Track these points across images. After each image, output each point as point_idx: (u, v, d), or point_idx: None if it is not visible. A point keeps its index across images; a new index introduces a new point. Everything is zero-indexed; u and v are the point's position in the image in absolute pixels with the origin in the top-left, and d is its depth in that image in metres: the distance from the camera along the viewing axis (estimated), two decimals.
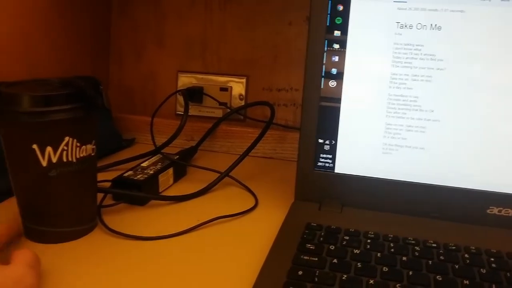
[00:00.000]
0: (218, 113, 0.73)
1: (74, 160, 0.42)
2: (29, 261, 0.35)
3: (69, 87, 0.42)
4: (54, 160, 0.40)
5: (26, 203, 0.43)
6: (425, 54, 0.45)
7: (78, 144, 0.41)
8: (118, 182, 0.53)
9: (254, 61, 0.71)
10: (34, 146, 0.40)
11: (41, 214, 0.43)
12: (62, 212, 0.43)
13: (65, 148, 0.41)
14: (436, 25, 0.44)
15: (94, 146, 0.44)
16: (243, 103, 0.72)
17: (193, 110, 0.73)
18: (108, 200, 0.52)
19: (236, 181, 0.59)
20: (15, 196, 0.43)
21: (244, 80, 0.72)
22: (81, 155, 0.42)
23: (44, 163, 0.40)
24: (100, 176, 0.49)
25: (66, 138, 0.40)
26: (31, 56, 0.59)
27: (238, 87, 0.72)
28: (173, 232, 0.45)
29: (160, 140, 0.65)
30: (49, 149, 0.40)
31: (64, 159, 0.41)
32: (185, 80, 0.74)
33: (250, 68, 0.72)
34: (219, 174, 0.58)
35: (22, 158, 0.41)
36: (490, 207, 0.46)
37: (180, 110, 0.75)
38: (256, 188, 0.57)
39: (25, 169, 0.41)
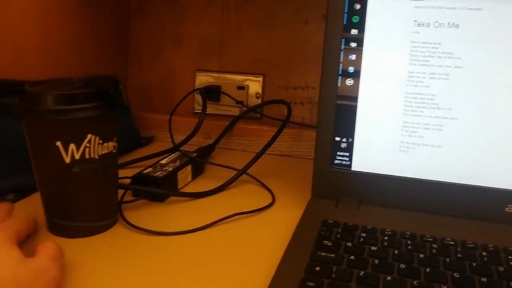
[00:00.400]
0: (235, 111, 0.74)
1: (96, 157, 0.43)
2: (53, 254, 0.36)
3: (91, 86, 0.43)
4: (77, 156, 0.41)
5: (50, 198, 0.44)
6: (442, 52, 0.45)
7: (100, 141, 0.42)
8: (138, 178, 0.54)
9: (271, 59, 0.72)
10: (58, 143, 0.41)
11: (64, 209, 0.44)
12: (85, 208, 0.44)
13: (88, 145, 0.42)
14: (453, 23, 0.44)
15: (115, 143, 0.45)
16: (259, 101, 0.73)
17: (211, 109, 0.74)
18: (128, 196, 0.53)
19: (253, 178, 0.59)
20: (39, 191, 0.45)
21: (260, 79, 0.73)
22: (103, 152, 0.43)
23: (67, 160, 0.41)
24: (120, 173, 0.50)
25: (89, 136, 0.41)
26: (53, 56, 0.61)
27: (254, 85, 0.73)
28: (192, 228, 0.46)
29: (178, 138, 0.66)
30: (72, 146, 0.41)
31: (87, 156, 0.42)
32: (203, 79, 0.75)
33: (267, 66, 0.72)
34: (236, 172, 0.59)
35: (46, 155, 0.42)
36: (508, 205, 0.46)
37: (198, 108, 0.76)
38: (273, 186, 0.57)
39: (48, 166, 0.42)
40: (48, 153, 0.41)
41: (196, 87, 0.75)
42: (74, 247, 0.42)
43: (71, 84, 0.44)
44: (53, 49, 0.61)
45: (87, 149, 0.42)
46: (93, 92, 0.42)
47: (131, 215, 0.48)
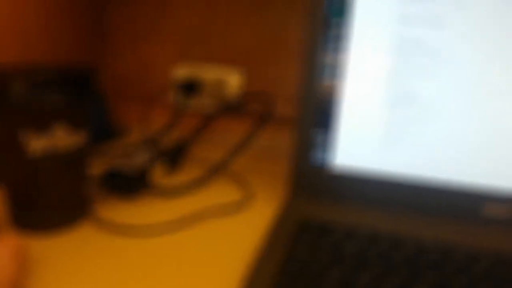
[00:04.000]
0: (214, 104, 0.72)
1: (64, 148, 0.40)
2: (11, 251, 0.34)
3: (60, 73, 0.41)
4: (43, 146, 0.39)
5: (13, 190, 0.42)
6: (428, 46, 0.44)
7: (69, 131, 0.40)
8: (109, 172, 0.51)
9: (252, 52, 0.70)
10: (23, 132, 0.38)
11: (29, 202, 0.41)
12: (50, 201, 0.42)
13: (55, 134, 0.39)
14: (438, 15, 0.43)
15: (85, 134, 0.42)
16: (240, 95, 0.71)
17: (189, 101, 0.72)
18: (98, 191, 0.51)
19: (230, 174, 0.58)
20: (2, 183, 0.42)
21: (241, 72, 0.71)
22: (71, 143, 0.41)
23: (32, 150, 0.39)
24: (91, 166, 0.47)
25: (56, 125, 0.39)
26: (25, 41, 0.58)
27: (235, 78, 0.71)
28: (164, 224, 0.45)
29: (154, 131, 0.64)
30: (38, 135, 0.39)
31: (53, 146, 0.40)
32: (182, 71, 0.73)
33: (248, 59, 0.71)
34: (213, 167, 0.57)
35: (9, 144, 0.39)
36: (487, 204, 0.45)
37: (176, 101, 0.74)
38: (250, 182, 0.56)
39: (12, 155, 0.40)
40: (12, 142, 0.39)
41: (174, 79, 0.73)
42: (37, 242, 0.40)
43: (40, 70, 0.42)
44: (25, 34, 0.58)
45: (53, 139, 0.40)
46: (61, 79, 0.40)
47: (100, 210, 0.46)
